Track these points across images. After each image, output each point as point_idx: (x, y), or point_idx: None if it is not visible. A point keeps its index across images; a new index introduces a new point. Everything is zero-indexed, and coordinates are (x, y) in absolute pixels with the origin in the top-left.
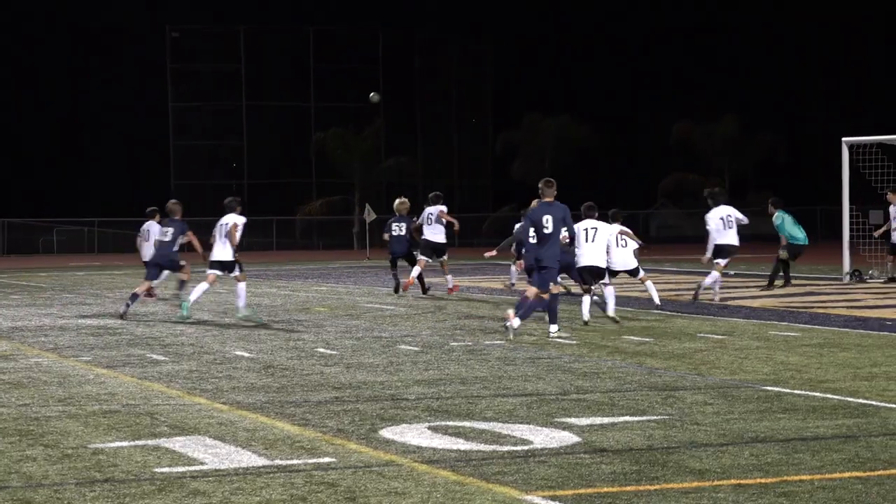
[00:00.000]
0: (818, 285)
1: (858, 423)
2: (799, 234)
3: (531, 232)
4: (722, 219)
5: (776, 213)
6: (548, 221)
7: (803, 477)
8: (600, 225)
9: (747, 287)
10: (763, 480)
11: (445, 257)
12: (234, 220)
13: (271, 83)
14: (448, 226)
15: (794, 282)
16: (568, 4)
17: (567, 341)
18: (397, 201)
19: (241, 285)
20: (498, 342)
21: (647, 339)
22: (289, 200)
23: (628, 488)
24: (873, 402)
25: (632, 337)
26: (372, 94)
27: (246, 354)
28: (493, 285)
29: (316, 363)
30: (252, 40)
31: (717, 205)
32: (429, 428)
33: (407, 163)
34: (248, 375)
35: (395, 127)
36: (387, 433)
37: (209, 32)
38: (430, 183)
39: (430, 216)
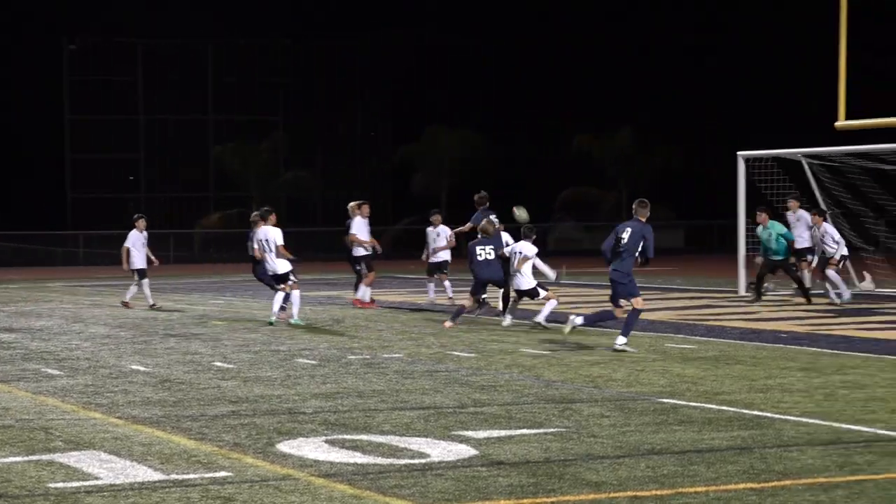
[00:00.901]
0: (715, 298)
1: (753, 435)
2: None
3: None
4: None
5: (770, 222)
6: (626, 234)
7: (699, 489)
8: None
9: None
10: (659, 492)
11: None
12: (275, 234)
13: (169, 96)
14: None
15: (690, 295)
16: (475, 18)
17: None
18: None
19: (296, 293)
20: (396, 355)
21: (545, 352)
22: (187, 214)
23: (525, 501)
24: (768, 414)
25: (529, 350)
26: (518, 212)
27: (142, 368)
28: (402, 298)
29: (213, 377)
30: (150, 53)
31: None
32: (326, 441)
33: (306, 176)
34: (144, 389)
35: (295, 140)
36: (284, 447)
37: (107, 45)
38: (329, 196)
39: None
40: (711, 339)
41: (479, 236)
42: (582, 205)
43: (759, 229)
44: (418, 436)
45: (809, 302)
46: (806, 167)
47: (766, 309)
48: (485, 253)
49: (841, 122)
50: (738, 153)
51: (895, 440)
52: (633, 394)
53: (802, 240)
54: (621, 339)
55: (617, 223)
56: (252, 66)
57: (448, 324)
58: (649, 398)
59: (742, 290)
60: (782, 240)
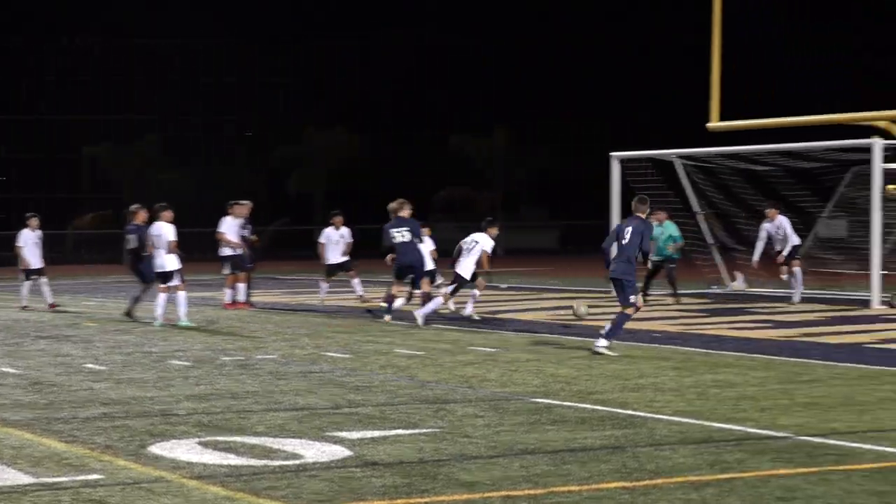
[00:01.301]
0: (591, 298)
1: (626, 434)
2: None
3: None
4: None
5: (666, 222)
6: (627, 233)
7: (571, 488)
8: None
9: (520, 300)
10: (532, 492)
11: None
12: (168, 230)
13: (42, 96)
14: None
15: (565, 295)
16: (348, 19)
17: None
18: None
19: (182, 294)
20: (270, 356)
21: (419, 353)
22: (60, 215)
23: (399, 501)
24: (641, 413)
25: (403, 350)
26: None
27: (12, 370)
28: (277, 299)
29: (84, 379)
30: (27, 52)
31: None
32: (199, 443)
33: (180, 177)
34: (15, 392)
35: (171, 141)
36: (156, 449)
37: None
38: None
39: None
40: (586, 339)
41: (392, 217)
42: (458, 205)
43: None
44: (292, 437)
45: (677, 302)
46: (679, 168)
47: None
48: (400, 235)
49: (713, 124)
50: (612, 154)
51: (765, 438)
52: (506, 394)
53: (794, 240)
54: (602, 342)
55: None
56: (131, 66)
57: (388, 317)
58: (523, 398)
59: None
60: (671, 241)
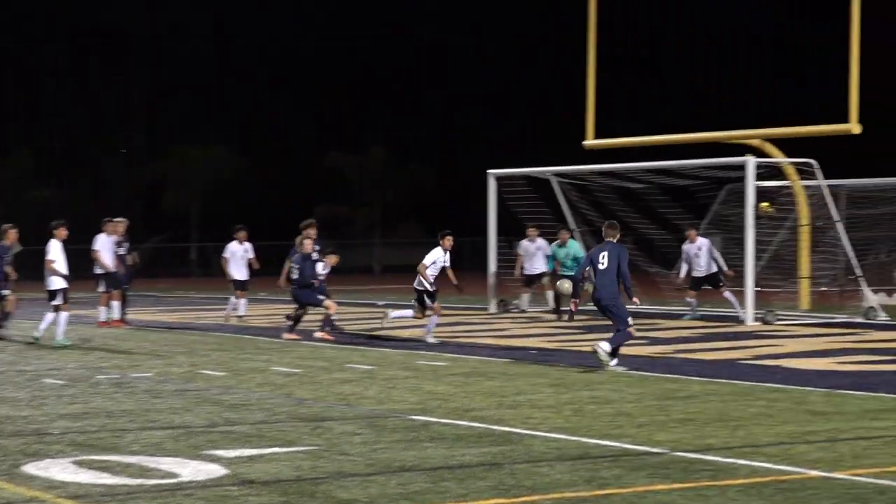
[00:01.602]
0: (466, 315)
1: (503, 451)
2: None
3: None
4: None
5: (568, 241)
6: (604, 258)
7: None
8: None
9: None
10: None
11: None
12: (50, 248)
13: None
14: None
15: (443, 311)
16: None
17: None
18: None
19: (63, 315)
20: (146, 374)
21: (296, 371)
22: None
23: None
24: (518, 430)
25: (281, 368)
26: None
27: None
28: (153, 317)
29: None
30: None
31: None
32: (74, 462)
33: (52, 194)
34: None
35: (44, 157)
36: (30, 468)
37: None
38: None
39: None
40: (462, 355)
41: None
42: (334, 223)
43: (555, 247)
44: (168, 455)
45: (559, 319)
46: (555, 185)
47: (516, 325)
48: (295, 270)
49: (589, 142)
50: (489, 171)
51: (641, 454)
52: (384, 411)
53: (705, 266)
54: (606, 346)
55: (370, 240)
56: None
57: (319, 334)
58: (400, 415)
59: (492, 308)
60: (574, 262)
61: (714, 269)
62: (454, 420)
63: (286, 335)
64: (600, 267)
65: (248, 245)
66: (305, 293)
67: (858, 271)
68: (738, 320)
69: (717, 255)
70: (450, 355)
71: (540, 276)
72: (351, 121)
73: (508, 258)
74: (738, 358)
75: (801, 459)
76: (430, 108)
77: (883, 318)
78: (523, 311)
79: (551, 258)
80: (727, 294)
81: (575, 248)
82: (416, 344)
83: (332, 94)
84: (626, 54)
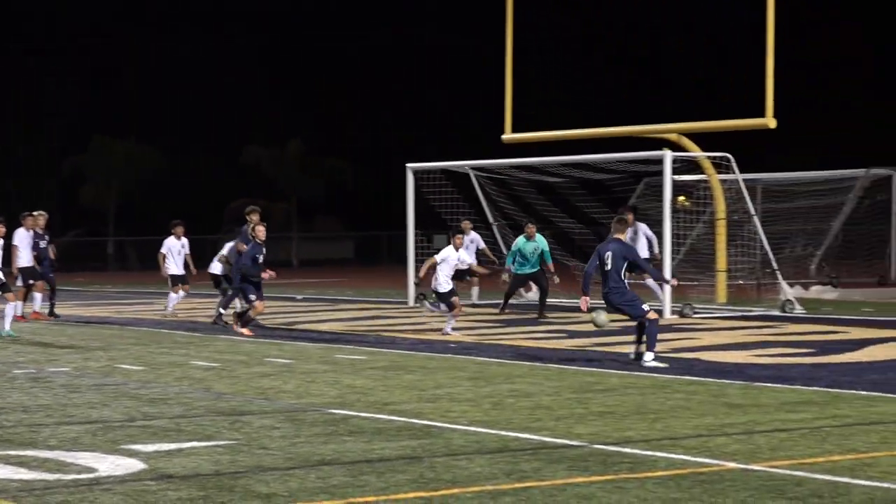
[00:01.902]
0: (385, 309)
1: (423, 444)
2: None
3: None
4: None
5: (537, 237)
6: (608, 258)
7: (368, 498)
8: None
9: (316, 311)
10: (329, 503)
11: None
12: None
13: None
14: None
15: (360, 305)
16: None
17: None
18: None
19: (10, 306)
20: (63, 369)
21: (215, 365)
22: None
23: None
24: (437, 424)
25: (199, 362)
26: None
27: None
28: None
29: None
30: None
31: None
32: None
33: None
34: None
35: None
36: None
37: None
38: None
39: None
40: (381, 349)
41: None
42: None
43: (522, 241)
44: (86, 450)
45: (541, 316)
46: (473, 179)
47: (434, 320)
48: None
49: (507, 135)
50: (408, 165)
51: (561, 447)
52: (303, 405)
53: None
54: (649, 356)
55: (288, 234)
56: None
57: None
58: (319, 409)
59: (412, 301)
60: (538, 259)
61: (647, 254)
62: (373, 414)
63: (242, 329)
64: (606, 268)
65: (185, 240)
66: (247, 283)
67: (775, 265)
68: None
69: (654, 239)
70: (368, 349)
71: (466, 271)
72: (269, 115)
73: (428, 252)
74: (656, 351)
75: (718, 451)
76: (350, 101)
77: (799, 311)
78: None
79: (514, 253)
80: (650, 283)
81: (542, 242)
82: (335, 338)
83: (250, 87)
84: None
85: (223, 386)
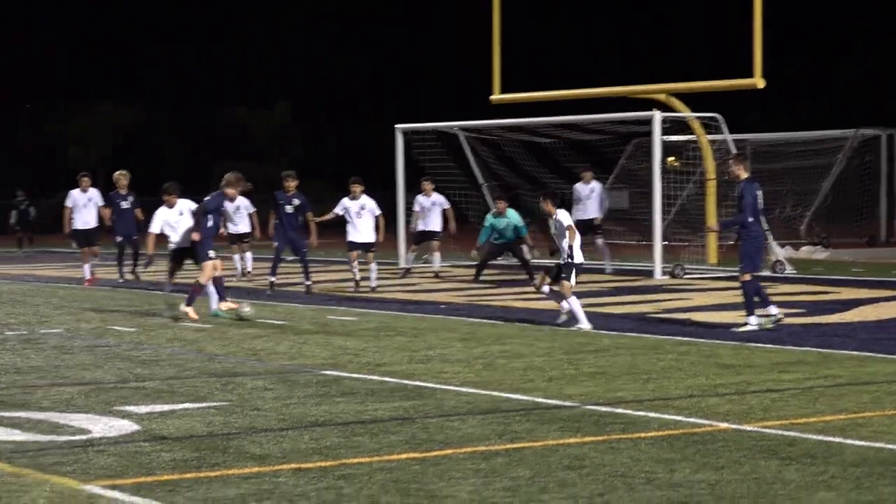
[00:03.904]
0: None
1: (415, 405)
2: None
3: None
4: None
5: (509, 212)
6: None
7: (362, 459)
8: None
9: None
10: (322, 464)
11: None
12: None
13: None
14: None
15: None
16: None
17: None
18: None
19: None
20: (55, 330)
21: (207, 326)
22: None
23: (189, 475)
24: (429, 385)
25: (191, 324)
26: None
27: None
28: (60, 273)
29: None
30: None
31: None
32: None
33: None
34: None
35: None
36: None
37: None
38: None
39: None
40: (372, 310)
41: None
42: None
43: (491, 217)
44: (79, 412)
45: (531, 279)
46: (463, 140)
47: (426, 280)
48: None
49: (496, 96)
50: (396, 126)
51: (553, 408)
52: (295, 366)
53: (593, 210)
54: (753, 319)
55: (272, 195)
56: None
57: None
58: (312, 370)
59: (402, 262)
60: (513, 231)
61: (597, 215)
62: (366, 375)
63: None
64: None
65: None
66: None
67: (765, 225)
68: (603, 271)
69: (605, 202)
70: (359, 310)
71: (433, 234)
72: (257, 76)
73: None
74: (647, 312)
75: (711, 412)
76: (339, 64)
77: (790, 271)
78: (407, 270)
79: (487, 229)
80: (599, 241)
81: (514, 217)
82: (326, 299)
83: (237, 47)
84: (532, 8)
85: (215, 347)
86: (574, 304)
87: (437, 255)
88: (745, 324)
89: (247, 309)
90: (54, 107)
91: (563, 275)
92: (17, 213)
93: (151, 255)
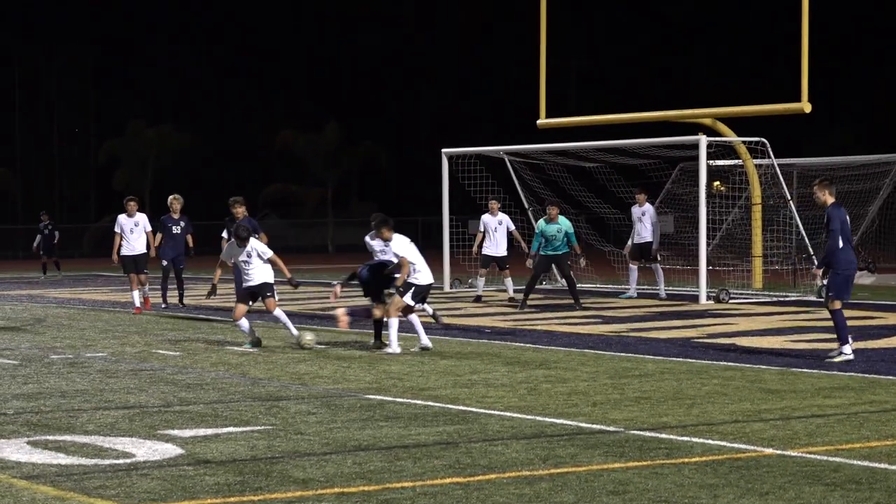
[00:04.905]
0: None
1: (459, 430)
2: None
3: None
4: None
5: (560, 218)
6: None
7: (405, 484)
8: None
9: (351, 297)
10: (366, 488)
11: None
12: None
13: None
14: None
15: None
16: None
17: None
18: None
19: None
20: (100, 354)
21: (251, 350)
22: None
23: (232, 499)
24: (473, 409)
25: (235, 348)
26: None
27: None
28: (106, 297)
29: None
30: None
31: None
32: (28, 443)
33: (3, 173)
34: None
35: None
36: None
37: None
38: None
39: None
40: (415, 335)
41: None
42: (286, 201)
43: (543, 223)
44: (123, 435)
45: (577, 304)
46: (508, 164)
47: (471, 305)
48: None
49: (542, 121)
50: (443, 150)
51: (597, 433)
52: (339, 390)
53: (647, 234)
54: (847, 349)
55: (323, 219)
56: None
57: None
58: (356, 394)
59: (447, 286)
60: (565, 238)
61: (653, 242)
62: (409, 399)
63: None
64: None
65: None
66: None
67: (811, 250)
68: (658, 297)
69: (657, 227)
70: (403, 334)
71: (503, 259)
72: (304, 98)
73: (461, 237)
74: (692, 337)
75: (755, 437)
76: (385, 87)
77: None
78: (479, 297)
79: (538, 236)
80: (656, 267)
81: (566, 224)
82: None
83: (286, 71)
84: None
85: (259, 371)
86: (393, 324)
87: (508, 281)
88: (840, 353)
89: (308, 337)
90: (105, 130)
91: (401, 289)
92: (42, 237)
93: (215, 283)
